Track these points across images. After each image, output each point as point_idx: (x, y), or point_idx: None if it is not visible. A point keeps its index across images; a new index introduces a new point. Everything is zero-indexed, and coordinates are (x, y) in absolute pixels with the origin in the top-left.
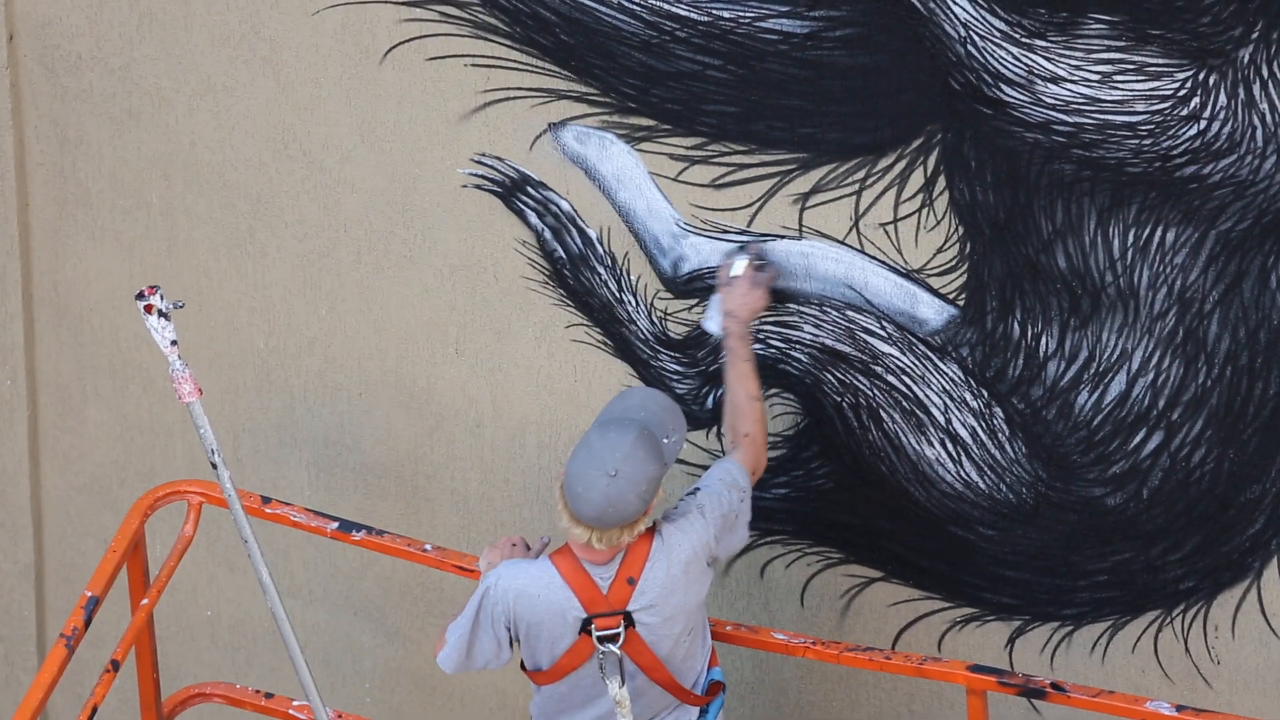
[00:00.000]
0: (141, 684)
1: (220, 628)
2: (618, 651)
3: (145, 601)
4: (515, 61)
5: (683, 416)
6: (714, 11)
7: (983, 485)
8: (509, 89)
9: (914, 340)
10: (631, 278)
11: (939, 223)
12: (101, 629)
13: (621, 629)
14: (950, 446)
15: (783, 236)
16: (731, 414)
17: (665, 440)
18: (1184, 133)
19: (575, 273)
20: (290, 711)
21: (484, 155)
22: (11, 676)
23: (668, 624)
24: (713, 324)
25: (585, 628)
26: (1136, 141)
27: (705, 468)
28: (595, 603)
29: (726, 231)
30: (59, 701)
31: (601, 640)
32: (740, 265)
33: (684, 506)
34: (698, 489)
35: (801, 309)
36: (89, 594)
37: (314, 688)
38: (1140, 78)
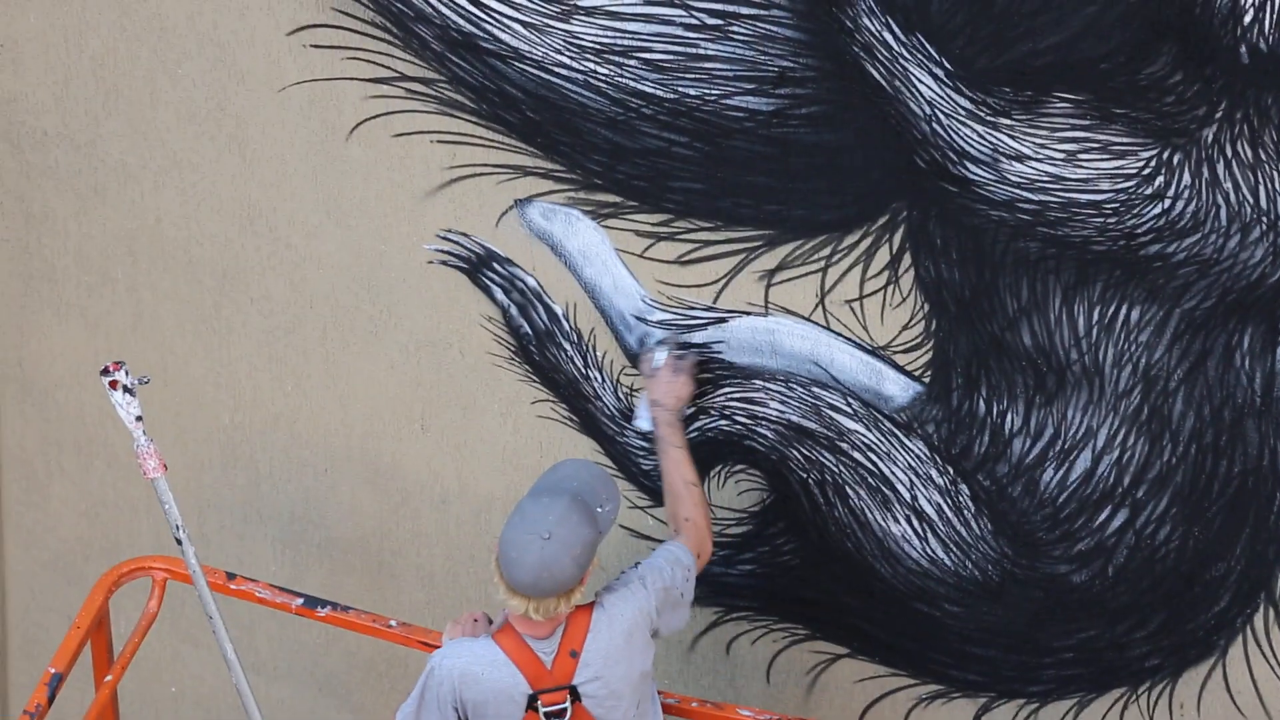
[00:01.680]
0: None
1: (184, 704)
2: None
3: (109, 678)
4: (481, 138)
5: (616, 486)
6: (680, 89)
7: (948, 562)
8: (475, 165)
9: (880, 417)
10: (597, 354)
11: (904, 299)
12: (65, 706)
13: (568, 704)
14: (916, 523)
15: (749, 313)
16: (671, 501)
17: (599, 509)
18: (1148, 211)
19: (541, 349)
20: None
21: (450, 231)
22: None
23: (613, 696)
24: (643, 421)
25: (532, 704)
26: (1101, 220)
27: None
28: (540, 678)
29: (693, 308)
30: None
31: (548, 716)
32: (660, 356)
33: (625, 578)
34: (639, 563)
35: (767, 385)
36: (53, 670)
37: None
38: (1105, 156)
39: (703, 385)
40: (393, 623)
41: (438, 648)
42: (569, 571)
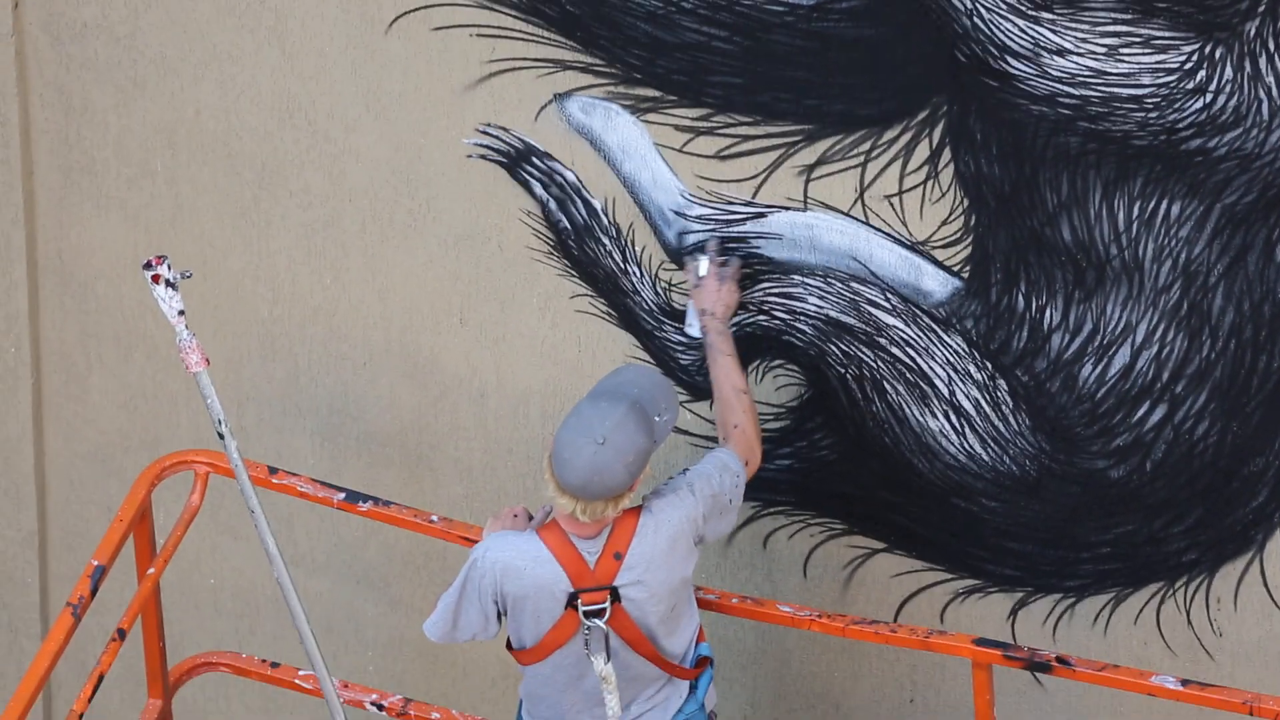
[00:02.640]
0: (148, 653)
1: (224, 596)
2: (604, 626)
3: (151, 571)
4: (521, 32)
5: (676, 396)
6: None
7: (986, 457)
8: (514, 59)
9: (918, 312)
10: (636, 249)
11: (944, 195)
12: (106, 598)
13: (608, 604)
14: (954, 419)
15: (788, 208)
16: (721, 409)
17: (657, 418)
18: (1190, 106)
19: (580, 243)
20: (295, 680)
21: (489, 125)
22: (15, 644)
23: (653, 599)
24: (694, 328)
25: (571, 602)
26: (1142, 114)
27: (709, 439)
28: (582, 577)
29: (732, 203)
30: (64, 670)
31: (587, 615)
32: (704, 265)
33: (673, 484)
34: (688, 469)
35: (806, 281)
36: (95, 563)
37: (320, 657)
38: (1146, 51)
39: (743, 283)
40: (434, 518)
41: (478, 542)
42: (619, 478)
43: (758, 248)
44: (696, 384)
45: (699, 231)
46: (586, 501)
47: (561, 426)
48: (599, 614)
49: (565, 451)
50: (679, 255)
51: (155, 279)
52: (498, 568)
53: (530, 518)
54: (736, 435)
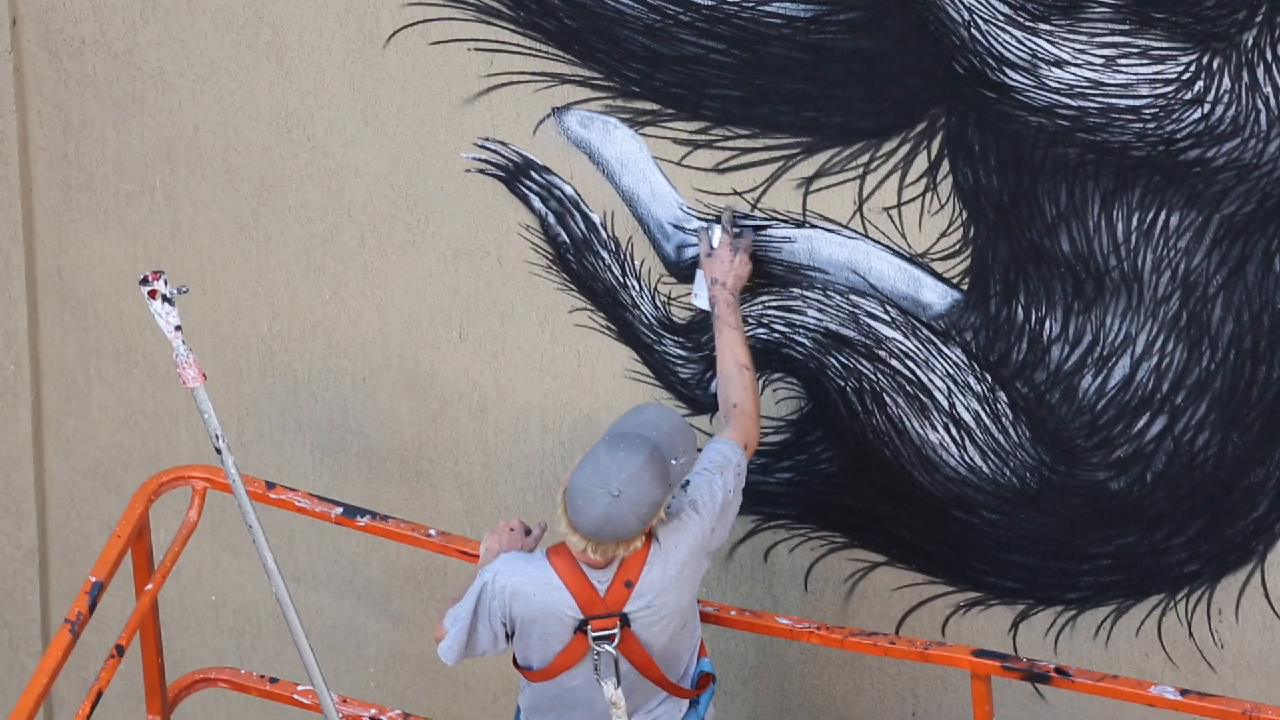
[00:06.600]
0: (146, 669)
1: (224, 612)
2: (614, 652)
3: (150, 587)
4: (519, 46)
5: (695, 438)
6: None
7: (986, 469)
8: (512, 73)
9: (918, 324)
10: (635, 262)
11: (943, 207)
12: (106, 614)
13: (618, 629)
14: (954, 431)
15: (787, 221)
16: (723, 385)
17: (674, 462)
18: (1188, 116)
19: (579, 257)
20: (295, 696)
21: (487, 139)
22: (16, 661)
23: (663, 621)
24: (701, 300)
25: (581, 628)
26: (1140, 125)
27: None
28: (592, 604)
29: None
30: (63, 686)
31: (597, 640)
32: (716, 235)
33: (676, 505)
34: (688, 482)
35: (805, 293)
36: (93, 579)
37: (319, 672)
38: (1144, 61)
39: (743, 297)
40: (432, 532)
41: (476, 557)
42: (632, 527)
43: (769, 229)
44: (696, 398)
45: (697, 246)
46: (598, 543)
47: (577, 470)
48: (609, 639)
49: (579, 499)
50: (678, 269)
51: (152, 294)
52: (507, 592)
53: (527, 531)
54: (735, 416)
